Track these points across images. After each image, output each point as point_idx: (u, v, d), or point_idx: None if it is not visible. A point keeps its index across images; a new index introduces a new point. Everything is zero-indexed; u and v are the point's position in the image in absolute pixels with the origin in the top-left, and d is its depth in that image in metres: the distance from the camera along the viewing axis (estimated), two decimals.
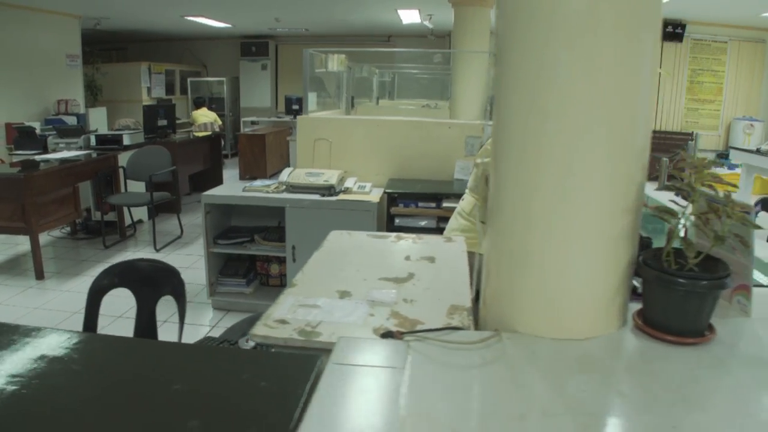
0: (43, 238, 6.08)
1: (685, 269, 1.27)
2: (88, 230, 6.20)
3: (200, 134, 8.18)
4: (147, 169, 5.71)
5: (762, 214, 3.86)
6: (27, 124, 6.73)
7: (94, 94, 9.90)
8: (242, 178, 9.01)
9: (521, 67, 1.27)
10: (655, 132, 10.26)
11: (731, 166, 8.08)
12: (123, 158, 6.04)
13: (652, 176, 5.48)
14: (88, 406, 1.12)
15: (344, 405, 1.07)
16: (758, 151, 6.67)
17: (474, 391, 1.11)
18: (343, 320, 1.56)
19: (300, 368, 1.26)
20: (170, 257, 5.45)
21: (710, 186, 1.33)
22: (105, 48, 12.16)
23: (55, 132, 6.46)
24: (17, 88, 7.12)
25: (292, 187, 3.86)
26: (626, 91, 1.23)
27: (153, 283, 2.10)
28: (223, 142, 10.93)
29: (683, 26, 9.66)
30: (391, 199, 3.70)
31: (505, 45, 1.31)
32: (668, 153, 7.84)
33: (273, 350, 1.54)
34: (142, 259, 2.17)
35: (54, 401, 1.13)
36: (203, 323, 3.98)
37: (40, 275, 4.77)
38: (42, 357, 1.26)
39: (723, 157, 9.12)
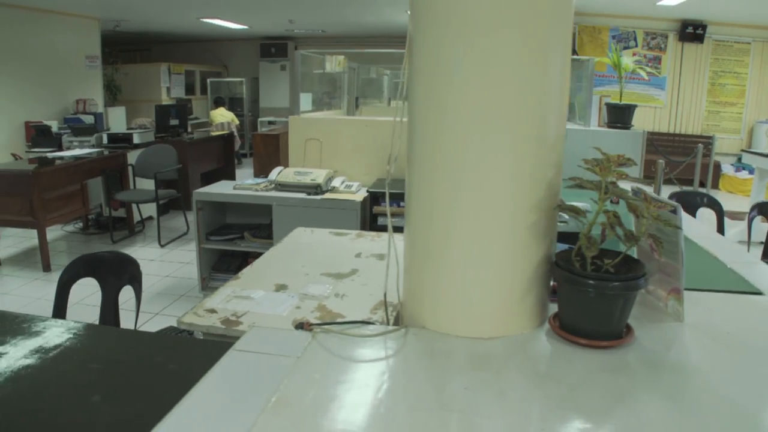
0: (56, 232, 6.30)
1: (602, 270, 1.27)
2: (99, 225, 6.38)
3: (216, 133, 8.35)
4: (154, 167, 5.87)
5: (758, 219, 3.81)
6: (46, 123, 6.96)
7: (113, 93, 10.16)
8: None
9: (423, 64, 1.31)
10: (673, 135, 10.10)
11: (752, 171, 7.91)
12: (133, 156, 6.21)
13: (648, 178, 5.42)
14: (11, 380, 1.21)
15: (225, 388, 1.13)
16: None
17: (354, 383, 1.15)
18: (268, 312, 1.62)
19: (210, 354, 1.33)
20: (173, 253, 5.59)
21: (613, 183, 1.34)
22: (130, 49, 12.47)
23: (70, 130, 6.67)
24: (38, 88, 7.37)
25: (281, 186, 3.94)
26: (529, 90, 1.25)
27: (115, 272, 2.19)
28: (240, 142, 11.13)
29: (704, 27, 9.48)
30: (374, 198, 3.76)
31: (413, 43, 1.35)
32: (684, 157, 7.72)
33: (201, 338, 1.61)
34: (108, 252, 2.27)
35: None
36: None
37: (47, 267, 4.94)
38: None
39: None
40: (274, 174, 4.03)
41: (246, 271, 1.97)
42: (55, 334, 1.49)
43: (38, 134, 6.57)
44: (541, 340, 1.31)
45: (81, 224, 6.43)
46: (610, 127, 3.99)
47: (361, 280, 1.89)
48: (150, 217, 6.76)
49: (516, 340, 1.30)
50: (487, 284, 1.32)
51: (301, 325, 1.44)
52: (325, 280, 1.88)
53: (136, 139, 6.44)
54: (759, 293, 1.70)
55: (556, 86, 1.29)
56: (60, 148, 6.38)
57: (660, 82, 9.98)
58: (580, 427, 0.99)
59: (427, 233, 1.36)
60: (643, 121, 9.96)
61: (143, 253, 5.63)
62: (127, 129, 7.39)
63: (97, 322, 2.22)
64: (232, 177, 8.47)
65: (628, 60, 4.04)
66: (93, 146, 6.38)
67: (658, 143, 8.47)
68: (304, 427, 0.98)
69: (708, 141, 9.29)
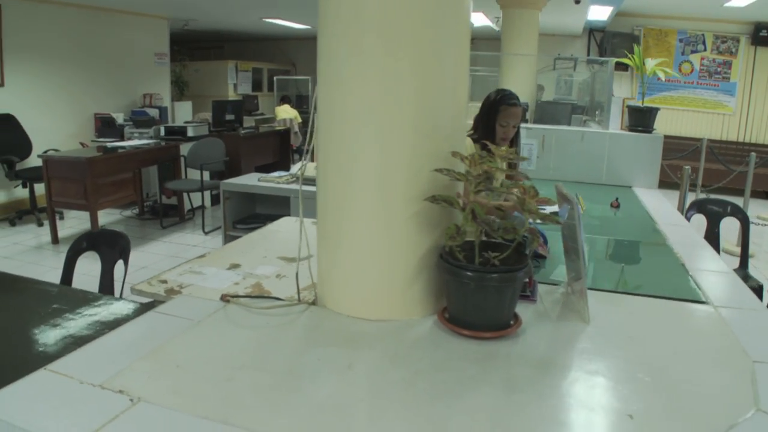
0: (115, 216, 6.78)
1: (489, 263, 1.32)
2: (153, 212, 6.81)
3: (276, 129, 8.73)
4: (202, 158, 6.21)
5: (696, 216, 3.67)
6: (113, 115, 7.49)
7: (180, 89, 10.74)
8: None
9: (321, 62, 1.43)
10: (741, 144, 9.56)
11: None
12: (186, 148, 6.59)
13: (671, 183, 5.21)
14: None
15: (127, 337, 1.29)
16: None
17: (224, 345, 1.28)
18: (209, 285, 1.77)
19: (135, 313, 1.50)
20: (213, 240, 5.91)
21: (511, 177, 1.40)
22: (203, 47, 13.12)
23: (132, 122, 7.15)
24: (108, 83, 7.93)
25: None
26: (409, 88, 1.34)
27: (112, 246, 2.42)
28: (301, 138, 11.49)
29: None
30: None
31: (318, 45, 1.46)
32: (739, 165, 7.34)
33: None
34: (105, 229, 2.50)
35: None
36: None
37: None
38: None
39: None
40: (296, 168, 4.21)
41: (213, 252, 2.13)
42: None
43: (103, 125, 7.09)
44: (424, 327, 1.39)
45: (137, 210, 6.88)
46: (630, 130, 3.91)
47: (312, 263, 2.01)
48: (202, 206, 7.15)
49: (399, 324, 1.38)
50: (372, 270, 1.43)
51: (222, 297, 1.59)
52: (277, 263, 2.01)
53: (190, 132, 6.82)
54: (703, 302, 1.69)
55: (443, 84, 1.37)
56: (122, 139, 6.86)
57: (729, 88, 9.49)
58: (395, 407, 1.07)
59: (326, 222, 1.48)
60: (709, 128, 9.52)
61: (187, 239, 5.98)
62: (191, 122, 7.82)
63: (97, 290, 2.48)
64: (287, 169, 8.81)
65: (652, 62, 3.94)
66: (150, 138, 6.81)
67: (720, 151, 8.06)
68: (161, 372, 1.13)
69: None
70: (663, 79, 4.09)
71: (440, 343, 1.30)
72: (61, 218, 6.29)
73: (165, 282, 1.80)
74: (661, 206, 3.32)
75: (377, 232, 1.38)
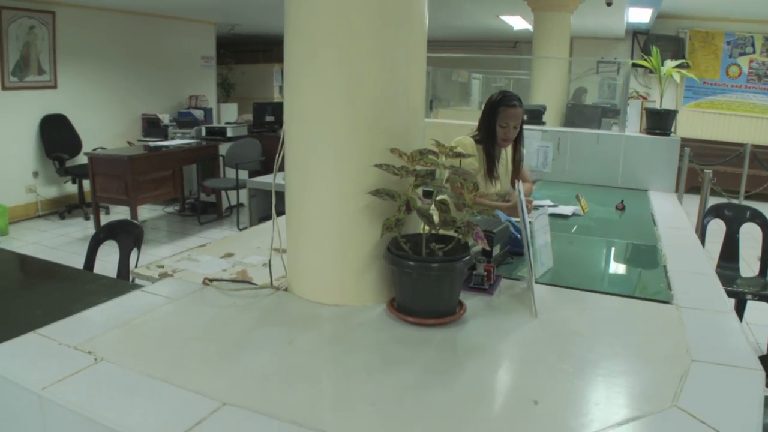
0: (157, 212, 7.13)
1: (434, 254, 1.42)
2: (193, 208, 7.13)
3: None
4: (239, 158, 6.47)
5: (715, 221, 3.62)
6: (159, 115, 7.87)
7: (226, 91, 11.13)
8: None
9: (285, 68, 1.56)
10: None
11: None
12: (225, 148, 6.88)
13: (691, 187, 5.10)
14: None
15: (113, 311, 1.46)
16: None
17: (187, 320, 1.44)
18: (199, 271, 1.93)
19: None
20: None
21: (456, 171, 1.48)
22: (251, 50, 13.53)
23: (175, 123, 7.50)
24: (156, 85, 8.33)
25: None
26: (360, 92, 1.46)
27: (128, 235, 2.64)
28: None
29: None
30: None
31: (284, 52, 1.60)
32: None
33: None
34: (122, 220, 2.72)
35: None
36: None
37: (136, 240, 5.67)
38: None
39: None
40: None
41: (214, 242, 2.30)
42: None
43: (149, 125, 7.47)
44: (374, 312, 1.51)
45: (178, 207, 7.21)
46: (648, 133, 3.90)
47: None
48: (242, 204, 7.43)
49: (351, 309, 1.51)
50: (328, 259, 1.56)
51: (204, 281, 1.75)
52: (268, 253, 2.16)
53: (229, 133, 7.11)
54: (666, 302, 1.71)
55: (395, 86, 1.48)
56: (165, 138, 7.21)
57: None
58: (312, 378, 1.18)
59: (292, 215, 1.63)
60: (757, 133, 9.21)
61: (221, 234, 6.25)
62: (231, 123, 8.14)
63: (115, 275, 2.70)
64: None
65: (670, 63, 3.91)
66: (192, 138, 7.13)
67: (764, 157, 7.81)
68: (127, 339, 1.30)
69: None
70: (678, 81, 4.03)
71: (383, 327, 1.41)
72: (107, 213, 6.66)
73: (162, 267, 1.98)
74: (672, 210, 3.31)
75: (333, 225, 1.51)
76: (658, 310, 1.66)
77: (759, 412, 1.10)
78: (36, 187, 6.52)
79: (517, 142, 3.15)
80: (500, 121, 2.95)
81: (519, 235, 2.08)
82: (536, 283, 1.80)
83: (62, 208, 6.57)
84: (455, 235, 1.45)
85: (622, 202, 3.18)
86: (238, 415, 1.00)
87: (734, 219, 3.67)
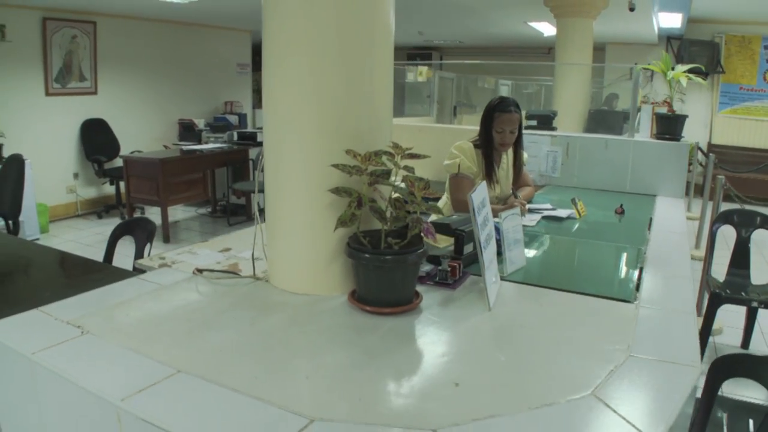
0: (190, 213, 7.44)
1: (392, 248, 1.55)
2: (224, 210, 7.41)
3: None
4: None
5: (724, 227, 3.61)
6: (195, 120, 8.21)
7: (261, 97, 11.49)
8: None
9: (263, 74, 1.72)
10: None
11: None
12: (255, 152, 7.14)
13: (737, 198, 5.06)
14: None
15: (108, 294, 1.65)
16: None
17: (175, 303, 1.61)
18: (195, 263, 2.11)
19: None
20: None
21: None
22: None
23: (209, 128, 7.81)
24: (193, 91, 8.69)
25: None
26: (326, 99, 1.60)
27: (142, 231, 2.85)
28: None
29: None
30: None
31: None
32: None
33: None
34: (138, 217, 2.94)
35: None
36: None
37: (167, 239, 5.96)
38: None
39: None
40: None
41: (216, 239, 2.49)
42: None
43: (184, 129, 7.80)
44: (337, 302, 1.64)
45: (210, 208, 7.50)
46: (658, 138, 3.92)
47: None
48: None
49: (317, 298, 1.65)
50: (299, 251, 1.71)
51: (196, 270, 1.93)
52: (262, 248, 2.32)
53: (260, 137, 7.36)
54: (628, 301, 1.76)
55: (360, 92, 1.62)
56: (199, 142, 7.52)
57: None
58: (261, 354, 1.32)
59: (269, 211, 1.78)
60: None
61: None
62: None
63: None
64: None
65: (681, 67, 3.93)
66: (224, 142, 7.42)
67: None
68: (113, 317, 1.48)
69: None
70: (684, 85, 4.03)
71: (341, 314, 1.55)
72: (142, 213, 6.98)
73: (163, 259, 2.16)
74: (673, 215, 3.32)
75: (302, 220, 1.66)
76: (616, 308, 1.70)
77: (677, 405, 1.14)
78: (76, 188, 6.91)
79: (517, 147, 3.25)
80: (496, 127, 3.05)
81: (497, 236, 2.19)
82: (505, 280, 1.90)
83: (100, 208, 6.94)
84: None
85: (621, 206, 3.23)
86: (189, 381, 1.16)
87: (744, 225, 3.65)
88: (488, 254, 1.69)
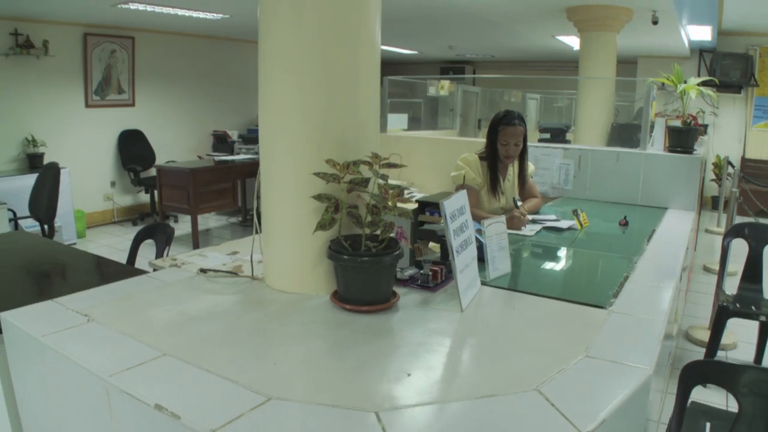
0: (221, 221, 7.70)
1: (371, 251, 1.68)
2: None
3: None
4: None
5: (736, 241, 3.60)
6: (228, 132, 8.51)
7: None
8: None
9: (259, 88, 1.88)
10: None
11: None
12: None
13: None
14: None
15: (116, 289, 1.82)
16: None
17: (174, 298, 1.78)
18: (202, 264, 2.28)
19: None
20: None
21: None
22: None
23: (241, 139, 8.10)
24: (227, 103, 9.02)
25: None
26: (314, 112, 1.75)
27: (162, 235, 3.06)
28: None
29: None
30: (422, 207, 4.22)
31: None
32: None
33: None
34: (158, 222, 3.14)
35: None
36: None
37: (196, 245, 6.21)
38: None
39: None
40: None
41: (226, 243, 2.66)
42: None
43: (218, 141, 8.10)
44: (321, 300, 1.78)
45: (240, 217, 7.76)
46: (670, 151, 3.95)
47: None
48: None
49: (304, 297, 1.79)
50: (288, 253, 1.86)
51: (200, 270, 2.09)
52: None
53: None
54: (601, 306, 1.82)
55: (342, 107, 1.76)
56: (231, 153, 7.80)
57: None
58: (243, 344, 1.46)
59: (264, 215, 1.93)
60: None
61: None
62: None
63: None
64: None
65: (693, 80, 3.96)
66: (255, 153, 7.68)
67: None
68: (118, 308, 1.66)
69: None
70: (694, 98, 4.05)
71: (321, 311, 1.68)
72: (176, 221, 7.28)
73: (175, 260, 2.34)
74: (679, 228, 3.35)
75: (291, 224, 1.80)
76: (587, 313, 1.75)
77: (615, 403, 1.19)
78: (113, 196, 7.26)
79: (523, 159, 3.34)
80: (501, 139, 3.16)
81: (483, 241, 2.29)
82: (487, 285, 2.01)
83: (135, 216, 7.26)
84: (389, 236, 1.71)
85: (624, 217, 3.28)
86: (171, 363, 1.31)
87: (757, 239, 3.64)
88: (463, 258, 1.80)
